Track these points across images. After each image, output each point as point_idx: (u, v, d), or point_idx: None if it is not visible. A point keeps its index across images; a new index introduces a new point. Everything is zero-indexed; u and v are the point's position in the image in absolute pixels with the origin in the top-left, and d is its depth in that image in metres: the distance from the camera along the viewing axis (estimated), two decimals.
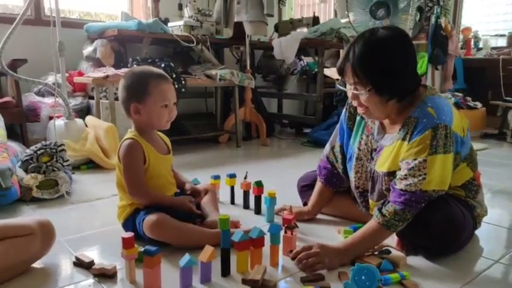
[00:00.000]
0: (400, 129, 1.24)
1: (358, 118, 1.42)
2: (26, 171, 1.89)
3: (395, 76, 1.19)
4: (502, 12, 5.11)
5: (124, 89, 1.36)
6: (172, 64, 2.92)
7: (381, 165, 1.29)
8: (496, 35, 5.13)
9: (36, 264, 1.17)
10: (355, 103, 1.29)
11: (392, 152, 1.25)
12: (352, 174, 1.44)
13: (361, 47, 1.19)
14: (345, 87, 1.28)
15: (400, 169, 1.22)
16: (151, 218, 1.25)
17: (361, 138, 1.40)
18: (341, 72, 1.26)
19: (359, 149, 1.40)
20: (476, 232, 1.41)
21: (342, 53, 1.27)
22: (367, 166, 1.37)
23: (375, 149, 1.35)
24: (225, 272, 1.14)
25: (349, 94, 1.28)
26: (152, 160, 1.36)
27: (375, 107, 1.24)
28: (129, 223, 1.35)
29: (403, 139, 1.22)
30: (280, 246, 1.23)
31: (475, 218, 1.33)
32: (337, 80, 1.29)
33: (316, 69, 3.77)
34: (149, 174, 1.36)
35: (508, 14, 5.08)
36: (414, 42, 3.27)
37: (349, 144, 1.46)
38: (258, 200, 1.66)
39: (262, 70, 4.05)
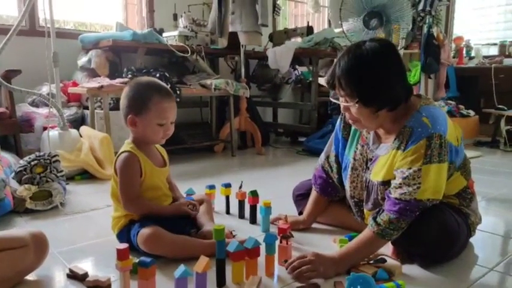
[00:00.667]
0: (395, 139, 1.25)
1: (353, 128, 1.43)
2: (20, 182, 1.88)
3: (380, 88, 1.20)
4: (494, 21, 5.19)
5: (126, 97, 1.36)
6: (167, 74, 2.93)
7: (376, 175, 1.30)
8: (488, 44, 5.20)
9: (30, 277, 1.16)
10: (347, 115, 1.30)
11: (387, 161, 1.26)
12: (347, 184, 1.44)
13: (346, 61, 1.21)
14: (338, 99, 1.29)
15: (395, 178, 1.22)
16: (145, 231, 1.24)
17: (357, 148, 1.41)
18: (330, 85, 1.27)
19: (354, 159, 1.41)
20: (471, 240, 1.41)
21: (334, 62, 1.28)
22: (363, 176, 1.38)
23: (371, 159, 1.35)
24: (221, 282, 1.13)
25: (341, 106, 1.30)
26: (148, 173, 1.36)
27: (366, 119, 1.25)
28: (124, 234, 1.34)
29: (398, 148, 1.23)
30: (276, 256, 1.23)
31: (470, 226, 1.34)
32: (330, 92, 1.30)
33: (310, 79, 3.80)
34: (145, 186, 1.36)
35: (500, 23, 5.16)
36: (407, 51, 3.33)
37: (344, 154, 1.47)
38: (253, 209, 1.66)
39: (257, 79, 4.07)
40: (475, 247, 1.43)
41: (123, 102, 1.37)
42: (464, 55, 5.12)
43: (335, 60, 1.26)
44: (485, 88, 4.50)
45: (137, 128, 1.35)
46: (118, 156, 1.35)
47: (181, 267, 1.05)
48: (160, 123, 1.34)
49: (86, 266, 1.24)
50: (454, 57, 4.89)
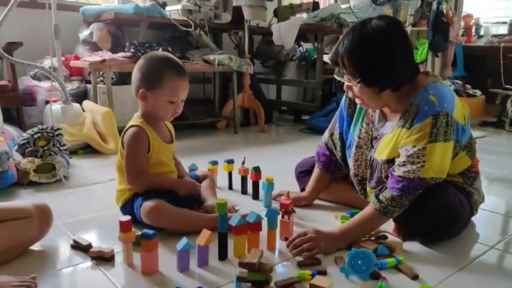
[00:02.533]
0: (401, 117, 1.24)
1: (358, 106, 1.41)
2: (23, 155, 1.89)
3: (383, 69, 1.17)
4: None
5: (139, 70, 1.34)
6: (169, 49, 2.89)
7: (381, 153, 1.29)
8: (498, 23, 5.08)
9: (34, 247, 1.18)
10: (350, 94, 1.28)
11: (392, 139, 1.25)
12: (351, 162, 1.43)
13: (350, 40, 1.17)
14: (343, 77, 1.27)
15: (399, 156, 1.21)
16: (148, 204, 1.25)
17: (362, 127, 1.40)
18: (334, 63, 1.25)
19: (359, 137, 1.40)
20: (473, 218, 1.42)
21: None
22: (367, 154, 1.37)
23: (376, 137, 1.34)
24: (222, 255, 1.14)
25: (345, 85, 1.28)
26: (156, 148, 1.35)
27: (368, 98, 1.24)
28: (127, 207, 1.35)
29: (403, 126, 1.21)
30: (278, 231, 1.24)
31: (473, 204, 1.34)
32: (336, 71, 1.28)
33: (315, 56, 3.75)
34: (151, 162, 1.35)
35: (510, 1, 5.02)
36: (414, 28, 3.26)
37: (348, 132, 1.46)
38: (255, 185, 1.66)
39: (261, 56, 4.02)
40: (476, 225, 1.44)
41: (136, 75, 1.35)
42: (473, 33, 5.01)
43: (340, 37, 1.23)
44: (493, 68, 4.42)
45: (147, 102, 1.33)
46: (126, 130, 1.34)
47: (184, 240, 1.06)
48: (171, 100, 1.33)
49: (90, 237, 1.25)
50: (462, 35, 4.80)
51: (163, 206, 1.25)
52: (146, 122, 1.35)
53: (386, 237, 1.25)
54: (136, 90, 1.35)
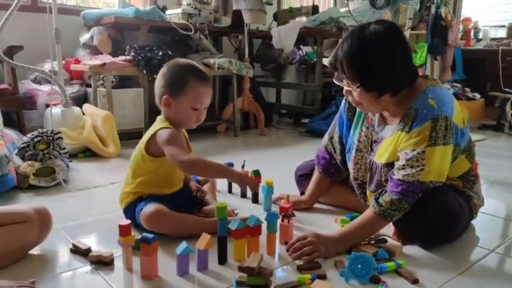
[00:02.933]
0: (400, 121, 1.24)
1: (358, 110, 1.42)
2: (23, 158, 1.89)
3: (382, 74, 1.18)
4: (503, 3, 5.08)
5: (162, 77, 1.34)
6: (170, 52, 2.90)
7: (380, 157, 1.29)
8: (496, 26, 5.10)
9: (34, 251, 1.18)
10: (350, 98, 1.29)
11: (392, 143, 1.25)
12: (351, 166, 1.43)
13: (349, 44, 1.18)
14: (342, 81, 1.27)
15: (398, 160, 1.22)
16: (148, 209, 1.25)
17: (361, 130, 1.40)
18: (333, 68, 1.25)
19: (359, 141, 1.40)
20: (473, 222, 1.42)
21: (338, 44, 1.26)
22: (367, 158, 1.37)
23: (375, 141, 1.34)
24: (222, 259, 1.14)
25: (344, 89, 1.28)
26: None
27: (368, 103, 1.24)
28: (130, 210, 1.34)
29: (403, 130, 1.22)
30: (277, 234, 1.24)
31: (472, 208, 1.34)
32: (335, 76, 1.28)
33: (315, 59, 3.75)
34: (166, 167, 1.33)
35: (509, 4, 5.04)
36: (414, 32, 3.27)
37: (348, 136, 1.46)
38: None
39: (260, 59, 4.03)
40: (476, 229, 1.44)
41: (159, 81, 1.35)
42: (472, 37, 5.03)
43: (339, 42, 1.24)
44: (492, 71, 4.43)
45: (171, 109, 1.33)
46: (158, 131, 1.30)
47: (183, 244, 1.06)
48: (194, 107, 1.32)
49: (89, 241, 1.25)
50: (461, 38, 4.81)
51: (162, 212, 1.24)
52: (172, 127, 1.33)
53: (386, 241, 1.25)
54: (160, 97, 1.34)
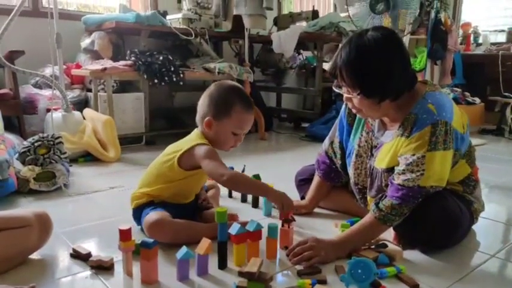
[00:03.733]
0: (400, 126, 1.24)
1: (357, 114, 1.42)
2: (23, 163, 1.89)
3: (382, 80, 1.18)
4: (502, 7, 5.10)
5: (209, 97, 1.33)
6: (170, 57, 2.92)
7: (380, 162, 1.29)
8: (496, 31, 5.11)
9: (33, 256, 1.17)
10: (349, 105, 1.29)
11: (392, 148, 1.25)
12: (351, 171, 1.44)
13: (348, 52, 1.18)
14: (341, 88, 1.27)
15: (399, 165, 1.22)
16: (150, 218, 1.24)
17: (361, 135, 1.40)
18: (333, 75, 1.26)
19: (359, 146, 1.40)
20: (473, 227, 1.41)
21: (337, 51, 1.26)
22: (367, 163, 1.37)
23: (375, 146, 1.35)
24: (222, 264, 1.14)
25: (344, 96, 1.28)
26: (202, 172, 1.32)
27: (368, 109, 1.24)
28: (138, 212, 1.34)
29: (403, 135, 1.22)
30: (278, 239, 1.23)
31: (473, 213, 1.34)
32: (334, 84, 1.29)
33: (315, 64, 3.77)
34: (190, 180, 1.33)
35: (508, 9, 5.06)
36: (413, 37, 3.28)
37: (348, 140, 1.46)
38: None
39: (261, 64, 4.04)
40: (477, 234, 1.43)
41: (204, 100, 1.33)
42: (472, 42, 5.04)
43: (338, 49, 1.24)
44: (491, 75, 4.44)
45: (211, 130, 1.32)
46: (194, 147, 1.28)
47: (184, 249, 1.06)
48: (235, 132, 1.32)
49: (89, 246, 1.25)
50: (461, 43, 4.82)
51: (163, 222, 1.23)
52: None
53: (386, 246, 1.25)
54: (203, 116, 1.33)
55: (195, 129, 1.38)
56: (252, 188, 1.30)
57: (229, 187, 1.36)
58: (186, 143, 1.32)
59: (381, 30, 1.21)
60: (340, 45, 1.23)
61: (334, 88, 1.29)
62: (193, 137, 1.34)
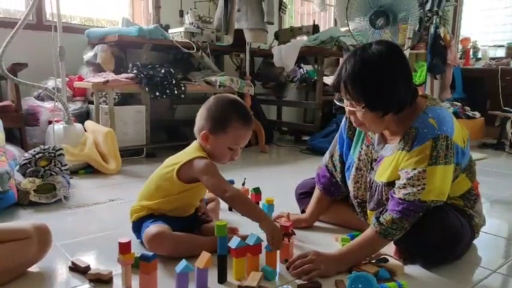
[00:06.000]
0: (400, 140, 1.24)
1: (358, 128, 1.43)
2: (24, 175, 1.89)
3: (387, 93, 1.18)
4: (501, 23, 5.15)
5: (207, 110, 1.32)
6: (172, 70, 2.94)
7: (381, 176, 1.29)
8: (495, 46, 5.16)
9: (32, 269, 1.17)
10: (352, 118, 1.29)
11: (392, 162, 1.25)
12: (351, 184, 1.43)
13: (352, 65, 1.19)
14: (343, 102, 1.28)
15: (399, 179, 1.22)
16: (150, 231, 1.23)
17: (361, 149, 1.40)
18: (336, 89, 1.26)
19: (359, 159, 1.40)
20: (475, 242, 1.40)
21: (340, 64, 1.27)
22: (367, 176, 1.37)
23: (375, 159, 1.35)
24: (222, 278, 1.13)
25: (347, 110, 1.29)
26: (202, 185, 1.32)
27: (371, 122, 1.25)
28: (138, 225, 1.33)
29: (403, 149, 1.22)
30: (277, 253, 1.23)
31: (474, 227, 1.33)
32: (336, 97, 1.29)
33: (315, 77, 3.79)
34: (189, 193, 1.33)
35: (507, 25, 5.12)
36: (413, 51, 3.31)
37: (348, 154, 1.46)
38: None
39: (261, 77, 4.07)
40: (478, 249, 1.42)
41: (202, 113, 1.33)
42: (471, 56, 5.09)
43: (341, 60, 1.25)
44: (491, 90, 4.47)
45: (207, 144, 1.31)
46: (192, 160, 1.28)
47: (183, 262, 1.05)
48: (232, 147, 1.32)
49: (88, 259, 1.24)
50: (460, 58, 4.86)
51: (163, 235, 1.22)
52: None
53: (387, 260, 1.24)
54: (200, 129, 1.33)
55: (194, 141, 1.38)
56: (249, 211, 1.26)
57: (229, 203, 1.36)
58: (185, 156, 1.32)
59: (385, 43, 1.23)
60: (342, 59, 1.24)
61: (335, 101, 1.29)
62: (192, 150, 1.34)
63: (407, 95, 1.22)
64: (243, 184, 1.72)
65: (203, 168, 1.26)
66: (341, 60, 3.67)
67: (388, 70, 1.18)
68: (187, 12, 3.40)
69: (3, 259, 1.06)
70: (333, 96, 1.33)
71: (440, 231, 1.18)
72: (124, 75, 2.80)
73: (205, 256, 1.08)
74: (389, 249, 1.28)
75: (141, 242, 1.30)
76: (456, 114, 3.91)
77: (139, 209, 1.35)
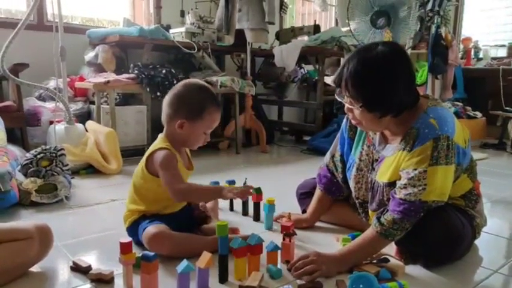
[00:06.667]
0: (401, 140, 1.24)
1: (359, 128, 1.42)
2: (26, 175, 1.89)
3: (386, 96, 1.18)
4: (502, 22, 5.15)
5: (179, 98, 1.32)
6: (173, 70, 2.94)
7: (382, 176, 1.29)
8: (496, 45, 5.16)
9: (34, 269, 1.17)
10: (350, 116, 1.30)
11: (393, 162, 1.25)
12: (352, 185, 1.43)
13: (355, 64, 1.18)
14: (343, 98, 1.28)
15: (400, 179, 1.22)
16: (150, 231, 1.24)
17: (362, 149, 1.40)
18: (337, 84, 1.26)
19: (360, 160, 1.40)
20: (476, 242, 1.40)
21: (342, 62, 1.26)
22: (368, 176, 1.37)
23: (376, 160, 1.35)
24: (223, 278, 1.13)
25: (345, 107, 1.29)
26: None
27: (368, 122, 1.25)
28: (134, 228, 1.33)
29: (404, 149, 1.22)
30: (279, 253, 1.23)
31: (475, 227, 1.33)
32: (337, 92, 1.29)
33: (316, 77, 3.79)
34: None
35: (508, 24, 5.11)
36: (414, 51, 3.30)
37: (349, 154, 1.46)
38: (257, 206, 1.66)
39: (262, 77, 4.07)
40: (479, 249, 1.42)
41: (174, 101, 1.33)
42: (473, 56, 5.08)
43: (343, 59, 1.25)
44: (493, 90, 4.46)
45: (183, 131, 1.32)
46: (154, 152, 1.31)
47: (184, 262, 1.05)
48: (206, 132, 1.35)
49: (90, 259, 1.25)
50: (462, 58, 4.86)
51: (164, 235, 1.23)
52: (172, 146, 1.33)
53: (388, 261, 1.24)
54: (172, 117, 1.33)
55: (160, 134, 1.39)
56: (206, 196, 1.32)
57: (183, 200, 1.35)
58: (151, 148, 1.34)
59: (390, 45, 1.22)
60: (344, 59, 1.24)
61: (336, 97, 1.29)
62: (157, 142, 1.36)
63: (407, 100, 1.22)
64: (244, 184, 1.72)
65: (160, 161, 1.28)
66: (342, 60, 3.67)
67: (389, 73, 1.17)
68: (188, 13, 3.40)
69: (5, 259, 1.06)
70: (333, 97, 1.33)
71: (441, 231, 1.18)
72: (125, 75, 2.80)
73: (206, 256, 1.09)
74: (390, 250, 1.28)
75: (138, 244, 1.29)
76: (457, 114, 3.91)
77: (130, 214, 1.36)
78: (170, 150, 1.31)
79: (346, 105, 1.26)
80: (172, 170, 1.27)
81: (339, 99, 1.29)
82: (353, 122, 1.31)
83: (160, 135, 1.38)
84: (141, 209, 1.34)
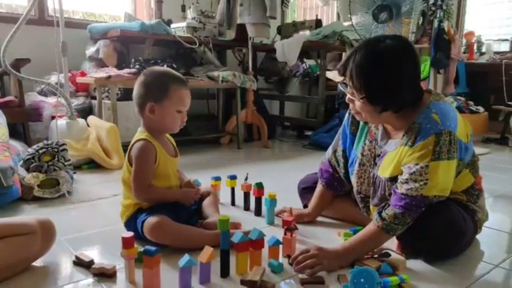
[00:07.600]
0: (403, 135, 1.24)
1: (361, 123, 1.42)
2: (28, 170, 1.90)
3: (389, 91, 1.18)
4: (505, 17, 5.11)
5: (143, 85, 1.36)
6: (174, 65, 2.93)
7: (384, 171, 1.29)
8: (499, 40, 5.12)
9: (36, 263, 1.18)
10: (350, 106, 1.29)
11: (395, 157, 1.25)
12: (354, 179, 1.43)
13: (362, 56, 1.18)
14: (347, 87, 1.28)
15: (402, 174, 1.21)
16: (151, 220, 1.25)
17: (365, 144, 1.40)
18: (341, 73, 1.26)
19: (362, 155, 1.40)
20: (477, 237, 1.40)
21: (345, 56, 1.26)
22: (370, 172, 1.37)
23: (378, 155, 1.34)
24: (224, 273, 1.14)
25: (347, 96, 1.29)
26: (162, 161, 1.36)
27: (368, 114, 1.25)
28: (131, 223, 1.34)
29: (406, 144, 1.22)
30: (280, 248, 1.23)
31: (476, 222, 1.33)
32: (340, 81, 1.29)
33: (318, 72, 3.78)
34: (157, 174, 1.36)
35: (511, 19, 5.07)
36: (417, 46, 3.29)
37: (351, 149, 1.46)
38: (258, 201, 1.66)
39: (264, 72, 4.06)
40: (481, 244, 1.43)
41: (139, 91, 1.37)
42: (475, 51, 5.05)
43: (343, 55, 1.25)
44: (495, 84, 4.44)
45: (155, 115, 1.35)
46: (133, 144, 1.35)
47: (186, 257, 1.05)
48: (179, 110, 1.36)
49: (92, 253, 1.25)
50: (464, 52, 4.83)
51: (166, 222, 1.25)
52: (151, 136, 1.36)
53: (389, 255, 1.24)
54: (142, 105, 1.36)
55: (139, 128, 1.42)
56: (167, 196, 1.37)
57: (142, 202, 1.36)
58: (132, 142, 1.37)
59: (399, 40, 1.21)
60: (345, 53, 1.24)
61: (339, 86, 1.29)
62: (136, 135, 1.39)
63: (409, 96, 1.22)
64: (246, 179, 1.73)
65: (135, 154, 1.32)
66: (344, 54, 3.65)
67: (395, 69, 1.17)
68: (190, 7, 3.39)
69: (8, 254, 1.07)
70: (335, 91, 1.33)
71: (443, 226, 1.18)
72: (126, 70, 2.79)
73: (208, 250, 1.09)
74: (391, 244, 1.28)
75: (139, 238, 1.29)
76: (460, 108, 3.89)
77: (125, 209, 1.38)
78: (148, 140, 1.34)
79: (348, 95, 1.26)
80: (142, 164, 1.31)
81: (341, 88, 1.29)
82: (352, 111, 1.31)
83: (139, 128, 1.41)
84: (135, 202, 1.35)
